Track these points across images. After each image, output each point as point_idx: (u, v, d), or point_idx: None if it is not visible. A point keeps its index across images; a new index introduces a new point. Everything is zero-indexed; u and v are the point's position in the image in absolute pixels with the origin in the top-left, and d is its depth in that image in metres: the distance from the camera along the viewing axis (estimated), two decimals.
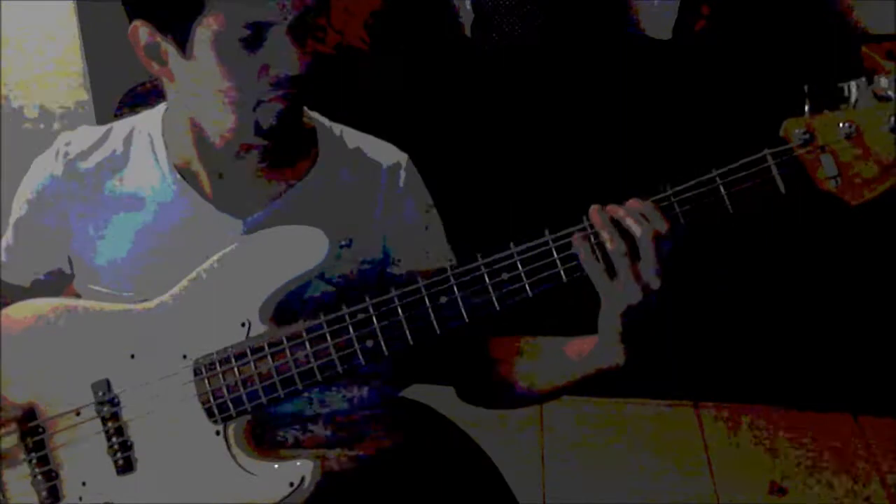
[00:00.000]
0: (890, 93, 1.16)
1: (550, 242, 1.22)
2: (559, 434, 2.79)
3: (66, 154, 1.42)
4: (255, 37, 1.23)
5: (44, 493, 1.34)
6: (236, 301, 1.29)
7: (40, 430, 1.36)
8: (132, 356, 1.32)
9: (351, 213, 1.40)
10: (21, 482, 1.36)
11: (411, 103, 2.74)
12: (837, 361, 2.75)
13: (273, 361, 1.27)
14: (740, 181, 1.18)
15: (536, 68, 2.78)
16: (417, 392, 1.59)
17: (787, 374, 2.80)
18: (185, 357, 1.30)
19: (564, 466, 2.68)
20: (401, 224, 1.43)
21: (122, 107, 2.29)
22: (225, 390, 1.28)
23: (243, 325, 1.29)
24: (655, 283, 1.18)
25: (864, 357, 2.74)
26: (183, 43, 1.25)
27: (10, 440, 1.35)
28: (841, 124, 1.17)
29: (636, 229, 1.18)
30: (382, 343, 1.25)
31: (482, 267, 1.23)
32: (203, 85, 1.28)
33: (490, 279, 1.23)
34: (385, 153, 1.46)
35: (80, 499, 1.34)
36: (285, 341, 1.27)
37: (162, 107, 1.43)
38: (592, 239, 1.20)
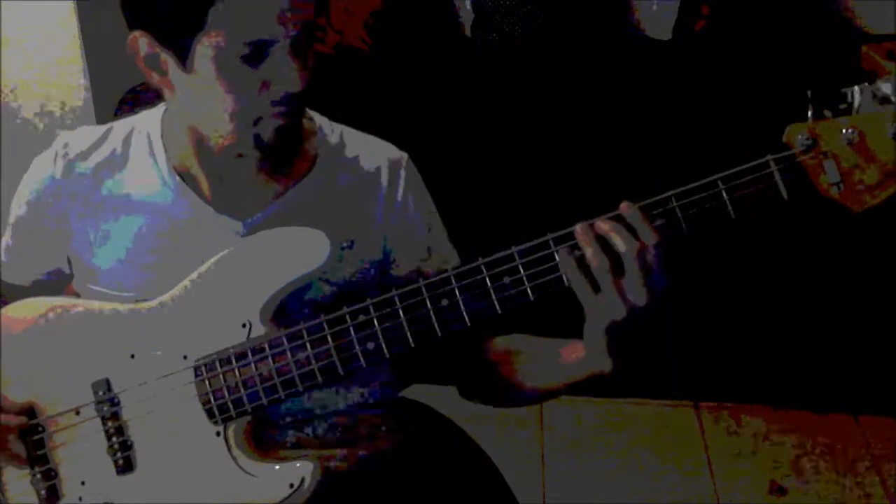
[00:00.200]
0: (891, 96, 1.15)
1: (552, 244, 1.21)
2: (559, 434, 2.79)
3: (66, 155, 1.42)
4: (256, 54, 1.23)
5: (43, 493, 1.34)
6: (237, 302, 1.29)
7: (40, 429, 1.35)
8: (132, 356, 1.32)
9: (351, 214, 1.40)
10: (20, 481, 1.36)
11: (411, 103, 2.74)
12: (837, 361, 2.75)
13: (274, 363, 1.27)
14: (743, 186, 1.18)
15: (536, 68, 2.78)
16: (417, 392, 1.59)
17: (787, 374, 2.80)
18: (185, 357, 1.30)
19: (564, 466, 2.68)
20: (401, 225, 1.43)
21: (121, 107, 2.29)
22: (225, 391, 1.28)
23: (244, 325, 1.29)
24: (641, 300, 1.18)
25: (864, 357, 2.74)
26: (183, 57, 1.25)
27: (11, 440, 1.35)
28: (844, 130, 1.17)
29: (621, 246, 1.17)
30: (384, 345, 1.25)
31: (483, 269, 1.23)
32: (203, 98, 1.27)
33: (492, 282, 1.22)
34: (385, 153, 1.46)
35: (80, 498, 1.34)
36: (286, 342, 1.27)
37: (162, 107, 1.43)
38: (577, 253, 1.19)
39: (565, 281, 1.21)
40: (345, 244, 1.37)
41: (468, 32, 2.85)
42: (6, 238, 1.48)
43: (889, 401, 2.77)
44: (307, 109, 1.41)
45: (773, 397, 2.86)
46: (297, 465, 1.28)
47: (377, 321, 1.25)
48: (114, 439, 1.32)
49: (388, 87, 2.77)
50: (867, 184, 1.17)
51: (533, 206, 2.76)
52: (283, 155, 1.34)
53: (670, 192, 1.20)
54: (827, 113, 1.18)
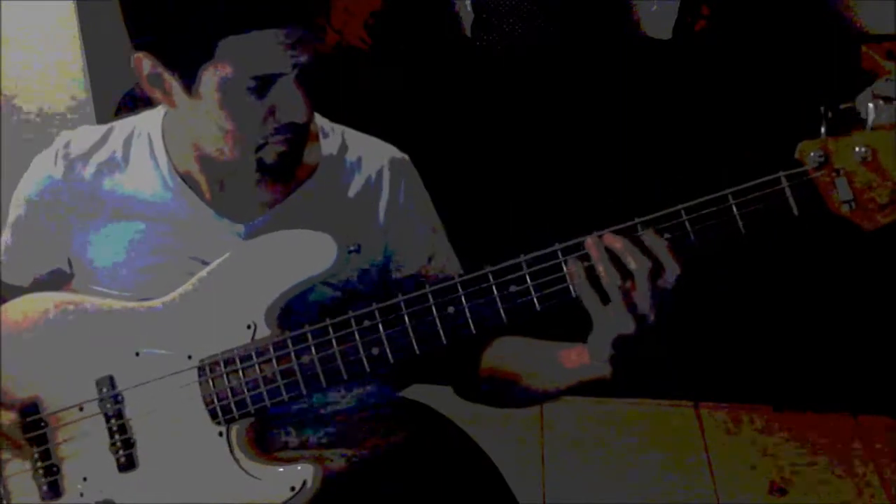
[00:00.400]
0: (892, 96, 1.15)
1: (560, 254, 1.21)
2: (559, 434, 2.79)
3: (66, 155, 1.41)
4: (262, 86, 1.23)
5: (44, 488, 1.34)
6: (242, 303, 1.29)
7: (43, 424, 1.35)
8: (137, 354, 1.32)
9: (353, 217, 1.40)
10: (22, 477, 1.36)
11: (411, 103, 2.74)
12: (837, 361, 2.75)
13: (277, 365, 1.27)
14: (753, 202, 1.18)
15: (536, 69, 2.78)
16: (417, 392, 1.59)
17: (787, 374, 2.80)
18: (189, 357, 1.30)
19: (564, 466, 2.68)
20: (403, 227, 1.43)
21: (121, 107, 2.29)
22: (229, 392, 1.28)
23: (249, 327, 1.29)
24: (650, 316, 1.19)
25: (864, 357, 2.74)
26: (189, 82, 1.25)
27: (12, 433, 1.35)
28: (857, 148, 1.16)
29: (634, 265, 1.17)
30: (388, 352, 1.25)
31: (490, 277, 1.23)
32: (206, 121, 1.27)
33: (498, 290, 1.22)
34: (387, 154, 1.46)
35: (81, 495, 1.34)
36: (290, 345, 1.27)
37: (162, 107, 1.42)
38: (587, 264, 1.19)
39: (572, 292, 1.21)
40: (352, 248, 1.37)
41: (468, 32, 2.85)
42: (6, 238, 1.48)
43: (888, 400, 2.77)
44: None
45: (772, 397, 2.86)
46: (299, 467, 1.28)
47: (382, 327, 1.25)
48: (116, 437, 1.32)
49: (388, 87, 2.77)
50: (879, 202, 1.17)
51: (533, 206, 2.76)
52: (284, 174, 1.34)
53: (680, 206, 1.20)
54: (840, 130, 1.17)
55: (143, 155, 1.41)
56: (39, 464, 1.35)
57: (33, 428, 1.35)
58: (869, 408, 2.82)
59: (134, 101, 2.02)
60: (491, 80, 2.79)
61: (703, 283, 1.21)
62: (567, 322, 1.29)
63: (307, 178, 1.40)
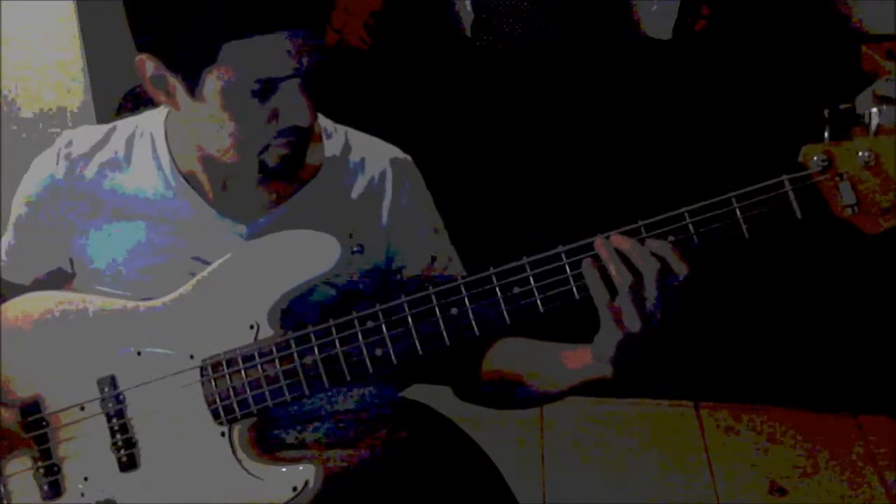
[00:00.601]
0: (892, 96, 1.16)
1: (564, 257, 1.22)
2: (559, 434, 2.79)
3: (68, 155, 1.41)
4: (265, 89, 1.23)
5: (45, 488, 1.34)
6: (245, 303, 1.29)
7: (44, 423, 1.35)
8: (139, 353, 1.32)
9: (356, 217, 1.40)
10: (23, 476, 1.36)
11: (411, 104, 2.74)
12: (837, 361, 2.75)
13: (280, 365, 1.27)
14: (757, 205, 1.18)
15: (536, 69, 2.78)
16: (417, 392, 1.59)
17: (787, 374, 2.80)
18: (192, 357, 1.30)
19: (564, 466, 2.68)
20: (405, 227, 1.43)
21: (122, 107, 2.29)
22: (231, 392, 1.28)
23: (252, 327, 1.29)
24: (656, 315, 1.19)
25: (864, 357, 2.74)
26: (192, 85, 1.24)
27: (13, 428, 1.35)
28: (860, 153, 1.17)
29: (642, 266, 1.18)
30: (392, 353, 1.25)
31: (494, 279, 1.23)
32: (209, 123, 1.27)
33: (501, 292, 1.23)
34: (389, 155, 1.46)
35: (82, 494, 1.34)
36: (293, 345, 1.27)
37: (164, 107, 1.42)
38: (599, 264, 1.20)
39: (575, 294, 1.21)
40: (355, 248, 1.37)
41: (468, 32, 2.85)
42: (7, 237, 1.48)
43: (888, 400, 2.77)
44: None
45: (773, 397, 2.86)
46: (301, 467, 1.28)
47: (385, 328, 1.25)
48: (118, 436, 1.32)
49: (388, 88, 2.77)
50: (882, 207, 1.17)
51: (533, 207, 2.76)
52: (286, 176, 1.34)
53: (684, 209, 1.20)
54: (843, 135, 1.18)
55: (146, 154, 1.41)
56: (40, 463, 1.35)
57: (34, 427, 1.35)
58: (869, 408, 2.82)
59: (135, 101, 2.01)
60: (491, 80, 2.79)
61: (704, 283, 1.21)
62: (570, 324, 1.29)
63: (310, 179, 1.40)
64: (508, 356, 1.41)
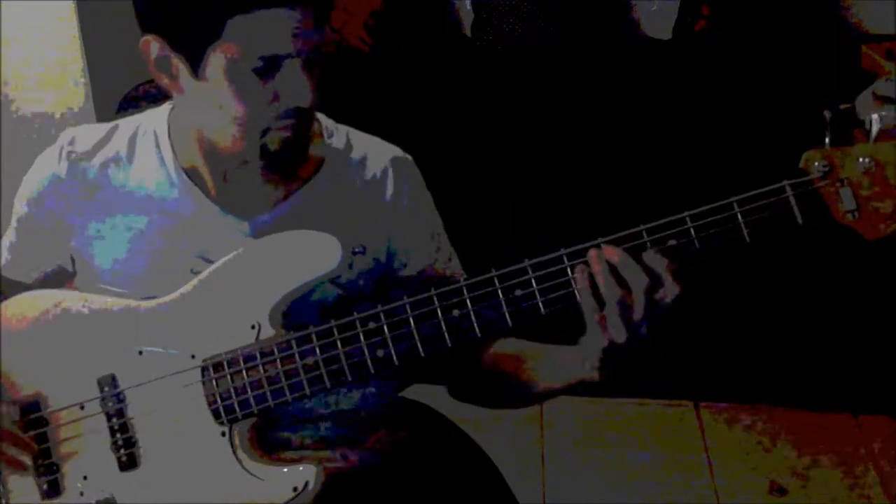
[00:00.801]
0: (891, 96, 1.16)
1: (565, 259, 1.22)
2: (559, 434, 2.79)
3: (71, 152, 1.41)
4: (268, 67, 1.23)
5: (44, 487, 1.34)
6: (247, 303, 1.29)
7: (44, 422, 1.35)
8: (140, 353, 1.32)
9: (357, 216, 1.40)
10: (22, 475, 1.35)
11: (411, 104, 2.74)
12: (837, 361, 2.75)
13: (282, 365, 1.27)
14: (758, 210, 1.19)
15: (536, 69, 2.78)
16: (417, 392, 1.59)
17: (787, 374, 2.80)
18: (193, 357, 1.30)
19: (564, 466, 2.68)
20: (406, 227, 1.43)
21: (122, 107, 2.29)
22: (232, 392, 1.28)
23: (253, 327, 1.29)
24: (642, 329, 1.20)
25: (864, 357, 2.74)
26: (196, 64, 1.25)
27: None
28: (861, 159, 1.18)
29: (630, 279, 1.19)
30: (393, 354, 1.25)
31: (496, 281, 1.23)
32: (212, 105, 1.28)
33: (503, 294, 1.23)
34: (390, 154, 1.46)
35: (82, 493, 1.34)
36: (295, 346, 1.27)
37: (168, 105, 1.43)
38: (589, 271, 1.20)
39: (577, 296, 1.22)
40: (357, 249, 1.38)
41: (468, 32, 2.85)
42: (9, 235, 1.48)
43: (888, 400, 2.77)
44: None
45: (772, 397, 2.86)
46: (301, 467, 1.28)
47: (387, 329, 1.25)
48: (118, 435, 1.32)
49: (388, 88, 2.77)
50: (883, 212, 1.18)
51: (533, 207, 2.76)
52: (288, 164, 1.34)
53: (686, 213, 1.20)
54: (844, 141, 1.19)
55: (149, 152, 1.41)
56: (40, 462, 1.34)
57: (34, 426, 1.35)
58: (869, 408, 2.82)
59: (135, 102, 2.02)
60: (491, 80, 2.79)
61: (705, 285, 1.22)
62: (571, 327, 1.29)
63: (312, 176, 1.40)
64: (504, 352, 1.41)
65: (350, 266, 1.36)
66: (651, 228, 1.21)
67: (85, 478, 1.34)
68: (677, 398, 2.91)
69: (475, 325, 1.24)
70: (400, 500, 1.42)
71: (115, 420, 1.32)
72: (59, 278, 1.46)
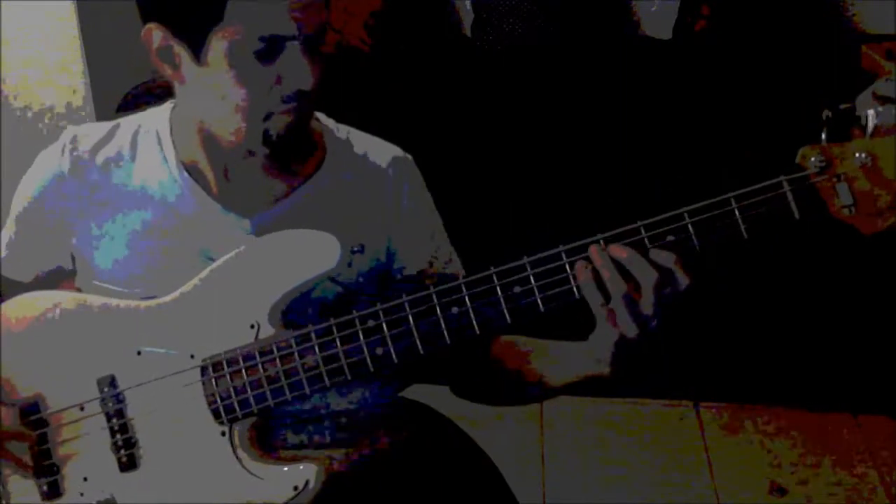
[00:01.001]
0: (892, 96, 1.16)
1: (564, 256, 1.22)
2: (559, 434, 2.79)
3: (73, 150, 1.41)
4: (270, 49, 1.23)
5: (44, 488, 1.34)
6: (246, 302, 1.29)
7: (44, 423, 1.35)
8: (139, 353, 1.32)
9: (358, 214, 1.40)
10: (22, 476, 1.35)
11: (411, 104, 2.74)
12: (837, 361, 2.75)
13: (281, 365, 1.27)
14: (756, 205, 1.19)
15: (536, 69, 2.78)
16: (417, 392, 1.59)
17: (787, 374, 2.80)
18: (192, 356, 1.30)
19: (564, 466, 2.68)
20: (406, 226, 1.43)
21: (122, 108, 2.29)
22: (232, 392, 1.28)
23: (252, 326, 1.29)
24: (653, 322, 1.20)
25: (864, 357, 2.74)
26: (197, 50, 1.25)
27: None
28: (858, 154, 1.18)
29: (639, 276, 1.18)
30: (392, 352, 1.25)
31: (495, 278, 1.23)
32: (214, 92, 1.27)
33: (502, 291, 1.23)
34: (390, 154, 1.46)
35: (82, 494, 1.34)
36: (294, 344, 1.27)
37: (169, 104, 1.43)
38: (592, 267, 1.20)
39: (576, 293, 1.21)
40: (355, 248, 1.38)
41: (468, 32, 2.85)
42: (8, 233, 1.48)
43: (888, 400, 2.77)
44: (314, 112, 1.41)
45: (772, 397, 2.86)
46: (302, 467, 1.28)
47: (386, 327, 1.25)
48: (118, 436, 1.32)
49: (388, 88, 2.77)
50: (879, 207, 1.18)
51: (533, 206, 2.76)
52: (290, 152, 1.34)
53: (683, 209, 1.20)
54: (841, 136, 1.19)
55: (151, 150, 1.41)
56: (40, 463, 1.34)
57: (34, 427, 1.35)
58: (869, 408, 2.82)
59: (135, 101, 2.02)
60: (491, 80, 2.79)
61: (703, 283, 1.22)
62: (570, 323, 1.29)
63: (313, 174, 1.40)
64: (509, 349, 1.41)
65: (349, 265, 1.36)
66: (649, 224, 1.21)
67: (85, 479, 1.34)
68: (677, 398, 2.92)
69: (474, 322, 1.24)
70: (400, 500, 1.42)
71: (114, 421, 1.32)
72: (58, 277, 1.46)
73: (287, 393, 1.27)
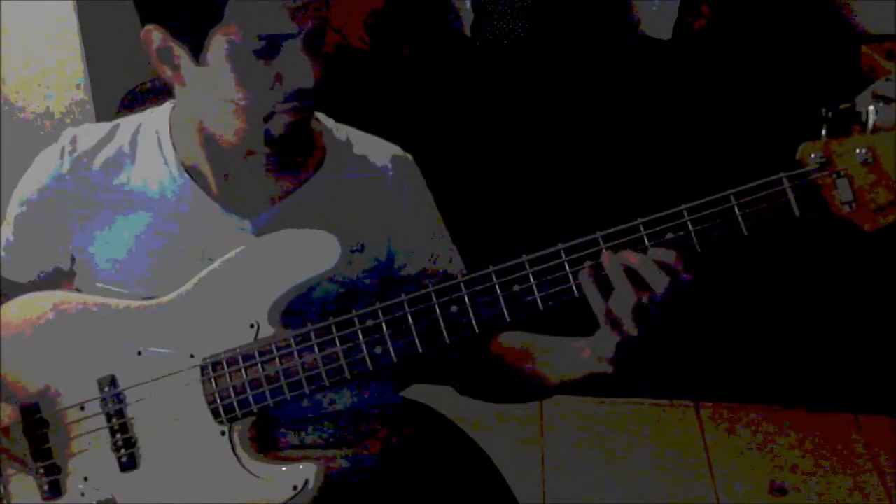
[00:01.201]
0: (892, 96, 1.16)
1: (563, 255, 1.22)
2: (559, 434, 2.79)
3: (73, 151, 1.41)
4: (269, 48, 1.23)
5: (45, 488, 1.34)
6: (246, 302, 1.29)
7: (44, 423, 1.35)
8: (139, 353, 1.32)
9: (358, 214, 1.40)
10: (23, 476, 1.36)
11: (411, 103, 2.74)
12: (837, 361, 2.75)
13: (281, 364, 1.27)
14: (755, 202, 1.18)
15: (536, 68, 2.78)
16: (417, 392, 1.59)
17: (787, 374, 2.80)
18: (192, 356, 1.30)
19: (564, 466, 2.68)
20: (407, 226, 1.43)
21: (122, 108, 2.29)
22: (231, 391, 1.28)
23: (252, 326, 1.29)
24: (654, 321, 1.20)
25: (864, 357, 2.74)
26: (197, 50, 1.25)
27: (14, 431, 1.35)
28: (858, 150, 1.17)
29: (654, 282, 1.18)
30: (391, 351, 1.25)
31: (493, 276, 1.23)
32: (214, 92, 1.28)
33: (501, 290, 1.23)
34: (390, 154, 1.46)
35: (82, 494, 1.34)
36: (294, 344, 1.27)
37: (169, 104, 1.43)
38: (598, 275, 1.20)
39: (575, 292, 1.21)
40: (355, 247, 1.38)
41: (468, 32, 2.85)
42: (7, 234, 1.48)
43: (888, 400, 2.77)
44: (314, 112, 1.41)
45: (772, 397, 2.86)
46: (301, 466, 1.28)
47: (385, 325, 1.25)
48: (118, 436, 1.32)
49: (388, 88, 2.77)
50: (879, 203, 1.18)
51: (533, 205, 2.76)
52: (292, 152, 1.34)
53: (683, 206, 1.20)
54: (841, 132, 1.18)
55: (151, 151, 1.41)
56: (40, 463, 1.34)
57: (35, 427, 1.35)
58: (869, 408, 2.82)
59: (135, 101, 2.01)
60: (491, 79, 2.79)
61: (703, 281, 1.21)
62: (569, 322, 1.29)
63: (313, 173, 1.40)
64: (511, 346, 1.42)
65: (349, 264, 1.36)
66: (648, 222, 1.21)
67: (85, 479, 1.34)
68: (677, 398, 2.92)
69: (473, 320, 1.23)
70: (400, 500, 1.42)
71: (115, 420, 1.32)
72: (58, 278, 1.46)
73: (286, 392, 1.27)
